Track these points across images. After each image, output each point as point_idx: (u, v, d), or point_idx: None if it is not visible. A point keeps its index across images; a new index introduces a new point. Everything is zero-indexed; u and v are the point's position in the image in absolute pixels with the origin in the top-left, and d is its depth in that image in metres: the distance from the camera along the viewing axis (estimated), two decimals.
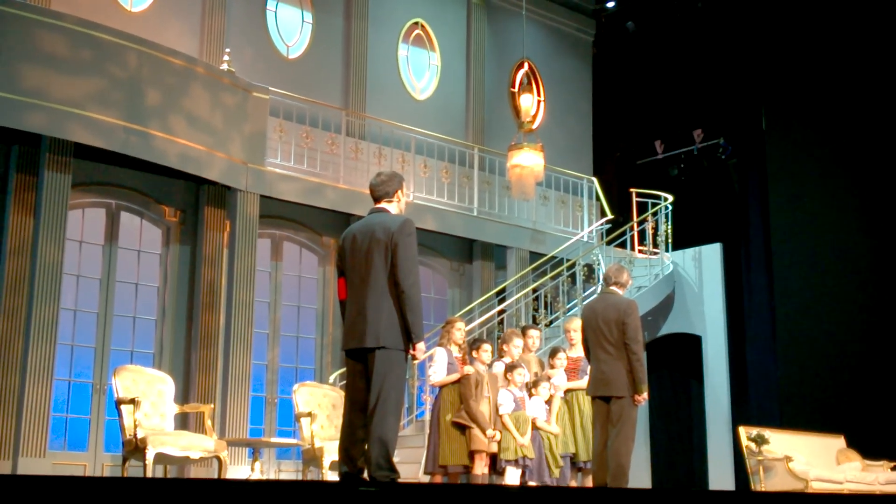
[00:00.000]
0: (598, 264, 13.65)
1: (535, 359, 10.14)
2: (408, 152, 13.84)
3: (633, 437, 8.25)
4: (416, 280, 6.44)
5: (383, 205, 6.74)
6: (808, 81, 15.14)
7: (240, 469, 11.21)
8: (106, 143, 10.72)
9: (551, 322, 13.68)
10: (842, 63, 14.76)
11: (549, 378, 9.78)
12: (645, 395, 8.23)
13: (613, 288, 8.55)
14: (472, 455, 9.01)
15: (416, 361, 6.50)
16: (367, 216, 6.74)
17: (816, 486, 11.44)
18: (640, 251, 15.00)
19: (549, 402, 9.63)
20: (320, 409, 10.51)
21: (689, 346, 14.92)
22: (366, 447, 6.36)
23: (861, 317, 14.20)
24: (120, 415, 9.38)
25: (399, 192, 6.79)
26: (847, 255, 14.50)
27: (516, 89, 16.33)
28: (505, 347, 9.80)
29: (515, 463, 9.10)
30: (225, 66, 12.20)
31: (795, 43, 15.22)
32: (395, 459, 6.39)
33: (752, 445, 11.74)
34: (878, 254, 14.34)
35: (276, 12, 13.94)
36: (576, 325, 9.96)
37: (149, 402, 9.67)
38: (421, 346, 6.48)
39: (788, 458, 11.54)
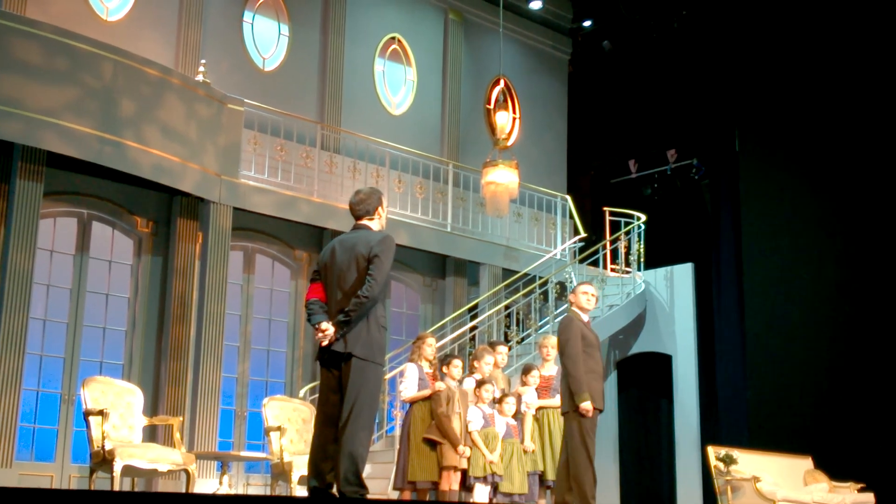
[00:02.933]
0: (571, 282, 13.69)
1: (501, 375, 10.13)
2: (382, 167, 13.85)
3: (585, 451, 8.19)
4: (379, 295, 6.51)
5: (365, 222, 6.79)
6: (781, 104, 15.27)
7: (208, 482, 11.14)
8: (79, 153, 10.66)
9: (523, 339, 13.70)
10: (814, 85, 14.90)
11: (517, 395, 9.78)
12: (585, 405, 8.18)
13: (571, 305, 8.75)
14: (441, 471, 8.99)
15: (320, 336, 6.55)
16: (350, 233, 6.79)
17: None
18: (612, 270, 15.04)
19: (515, 417, 9.62)
20: (290, 424, 10.47)
21: (660, 365, 14.97)
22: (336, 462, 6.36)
23: (831, 338, 14.29)
24: (88, 426, 9.31)
25: (379, 208, 6.87)
26: (818, 276, 14.60)
27: (492, 106, 16.37)
28: (476, 364, 9.78)
29: (484, 479, 9.09)
30: (200, 78, 12.16)
31: (769, 65, 15.35)
32: (365, 475, 6.39)
33: (721, 465, 11.78)
34: (848, 275, 14.44)
35: (252, 24, 13.93)
36: (552, 341, 9.96)
37: (117, 414, 9.60)
38: (327, 325, 6.50)
39: (756, 479, 11.58)
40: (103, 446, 9.11)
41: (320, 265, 6.75)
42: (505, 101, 16.43)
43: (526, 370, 10.13)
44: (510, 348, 12.27)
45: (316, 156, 13.22)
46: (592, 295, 8.67)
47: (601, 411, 8.38)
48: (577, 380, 8.24)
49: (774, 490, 11.61)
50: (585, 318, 8.59)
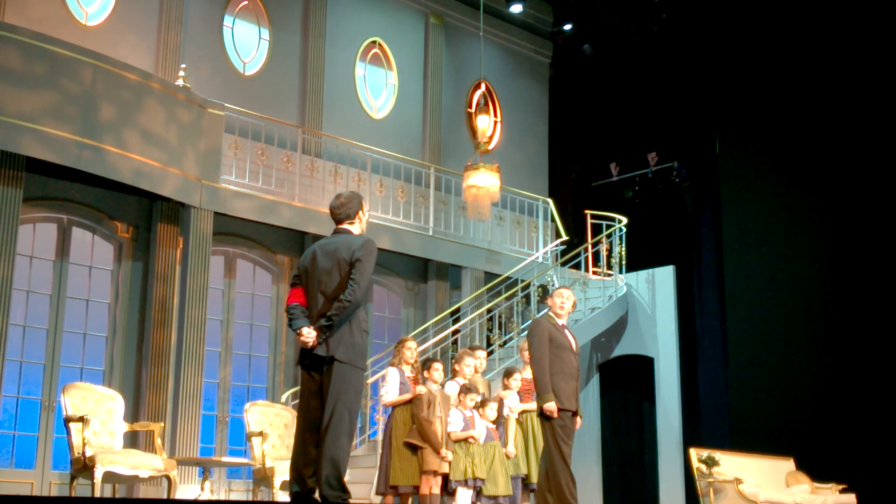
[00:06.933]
0: (553, 285, 13.70)
1: (481, 380, 10.11)
2: (364, 171, 13.83)
3: (559, 453, 8.18)
4: (361, 299, 6.52)
5: (345, 226, 6.82)
6: (760, 106, 15.33)
7: (189, 488, 11.10)
8: (59, 158, 10.61)
9: (505, 343, 13.70)
10: (794, 88, 14.96)
11: (499, 399, 9.77)
12: (548, 406, 8.17)
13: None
14: (422, 475, 8.98)
15: (301, 339, 6.58)
16: (331, 237, 6.81)
17: None
18: (594, 273, 15.07)
19: (496, 422, 9.60)
20: (272, 429, 10.45)
21: (642, 367, 14.99)
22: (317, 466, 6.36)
23: (811, 340, 14.35)
24: (68, 432, 9.28)
25: (360, 212, 6.91)
26: (798, 278, 14.66)
27: (473, 110, 16.38)
28: (457, 367, 9.78)
29: (465, 483, 9.08)
30: (180, 82, 12.13)
31: (748, 68, 15.41)
32: (347, 479, 6.38)
33: (703, 467, 11.81)
34: (828, 278, 14.51)
35: (232, 28, 13.90)
36: None
37: (98, 420, 9.57)
38: (308, 331, 6.50)
39: (738, 480, 11.61)
40: (84, 453, 9.08)
41: (301, 270, 6.76)
42: (486, 104, 16.43)
43: (508, 373, 10.10)
44: (490, 353, 12.26)
45: (297, 160, 13.19)
46: (567, 298, 8.65)
47: (575, 413, 8.35)
48: (539, 382, 8.29)
49: (756, 491, 11.64)
50: (561, 321, 8.58)
